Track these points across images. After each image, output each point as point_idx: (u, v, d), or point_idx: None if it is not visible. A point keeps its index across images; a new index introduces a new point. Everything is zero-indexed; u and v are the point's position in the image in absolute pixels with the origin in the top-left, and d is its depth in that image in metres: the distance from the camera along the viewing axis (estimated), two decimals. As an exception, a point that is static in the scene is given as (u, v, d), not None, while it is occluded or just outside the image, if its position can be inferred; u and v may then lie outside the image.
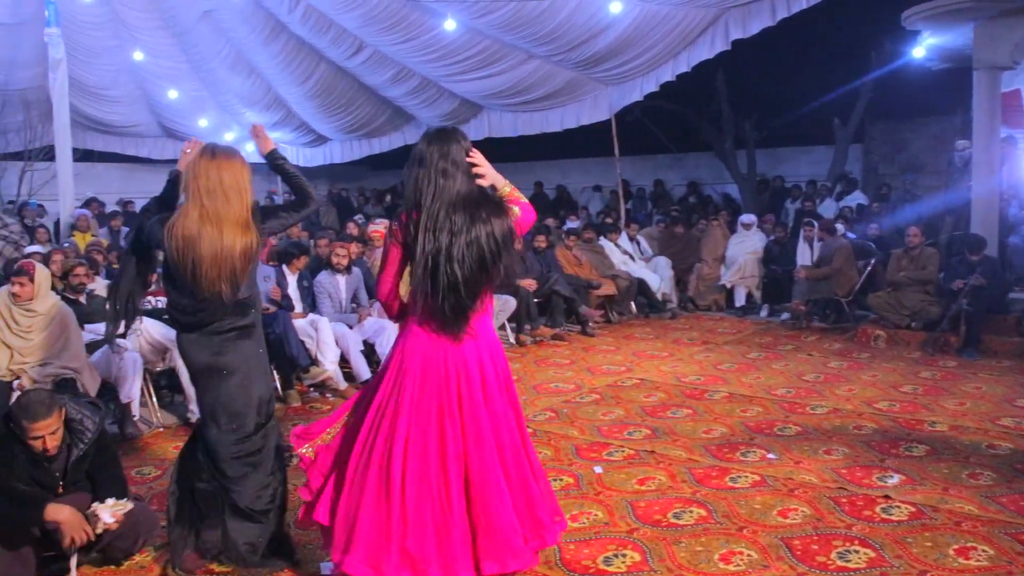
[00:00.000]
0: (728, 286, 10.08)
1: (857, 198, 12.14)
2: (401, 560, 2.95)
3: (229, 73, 12.99)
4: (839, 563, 3.39)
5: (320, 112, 14.09)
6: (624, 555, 3.54)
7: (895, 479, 4.30)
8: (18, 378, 5.09)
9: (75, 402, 3.64)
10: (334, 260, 7.12)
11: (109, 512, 3.33)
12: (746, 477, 4.40)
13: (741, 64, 12.81)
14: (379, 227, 9.05)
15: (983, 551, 3.46)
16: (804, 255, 9.53)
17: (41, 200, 12.26)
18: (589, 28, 10.17)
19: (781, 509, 3.95)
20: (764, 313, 9.70)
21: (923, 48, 9.36)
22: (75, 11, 10.91)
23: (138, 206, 13.36)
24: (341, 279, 7.18)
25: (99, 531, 3.31)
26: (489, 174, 3.09)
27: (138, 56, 12.13)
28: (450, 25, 10.29)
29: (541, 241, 9.21)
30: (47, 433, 3.33)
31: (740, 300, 10.00)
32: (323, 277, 7.17)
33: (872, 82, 13.13)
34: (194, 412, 5.79)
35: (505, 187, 3.17)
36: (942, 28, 8.70)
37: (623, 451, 4.93)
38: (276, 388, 6.54)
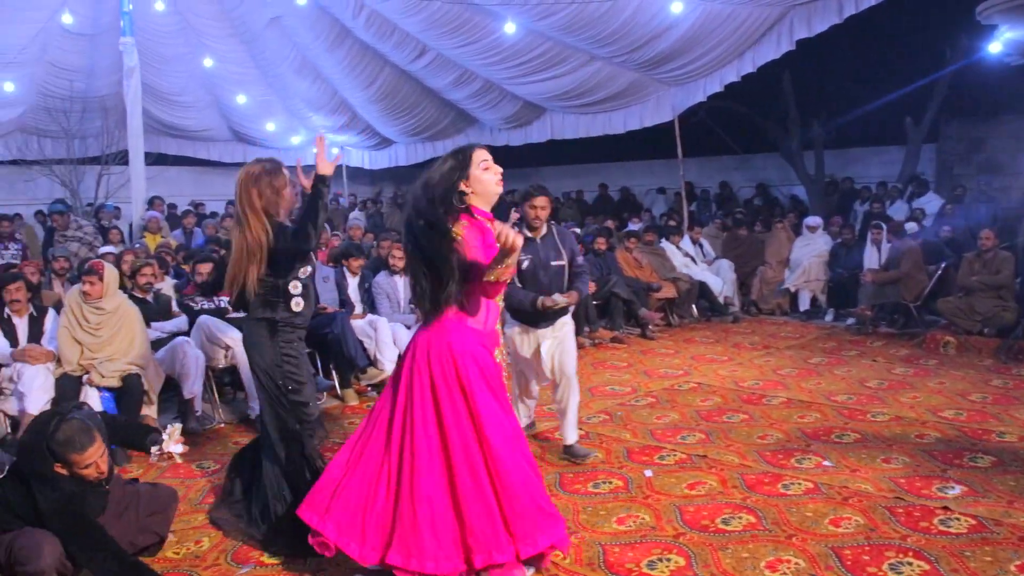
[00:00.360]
0: (792, 290, 9.87)
1: (930, 200, 11.74)
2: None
3: (296, 78, 13.28)
4: (891, 575, 3.30)
5: (384, 115, 14.29)
6: (669, 559, 3.50)
7: (956, 490, 4.16)
8: (87, 373, 5.30)
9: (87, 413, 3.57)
10: (391, 262, 7.21)
11: (174, 443, 3.61)
12: (799, 484, 4.30)
13: (808, 63, 12.52)
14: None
15: (1046, 567, 3.32)
16: (871, 258, 9.26)
17: (117, 203, 12.70)
18: (651, 29, 10.08)
19: (833, 518, 3.85)
20: (829, 317, 9.47)
21: (1000, 43, 8.99)
22: (149, 20, 11.29)
23: (208, 208, 13.78)
24: (399, 280, 7.26)
25: (178, 460, 3.70)
26: None
27: (208, 63, 12.51)
28: (510, 28, 10.32)
29: (601, 243, 9.17)
30: (98, 457, 3.27)
31: (804, 304, 9.79)
32: (381, 278, 7.27)
33: (947, 79, 12.69)
34: (253, 408, 5.94)
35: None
36: (1020, 21, 8.36)
37: (675, 455, 4.88)
38: (334, 387, 6.68)
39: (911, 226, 9.89)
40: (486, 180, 3.24)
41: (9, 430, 5.30)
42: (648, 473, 4.56)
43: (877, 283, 8.59)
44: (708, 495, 4.22)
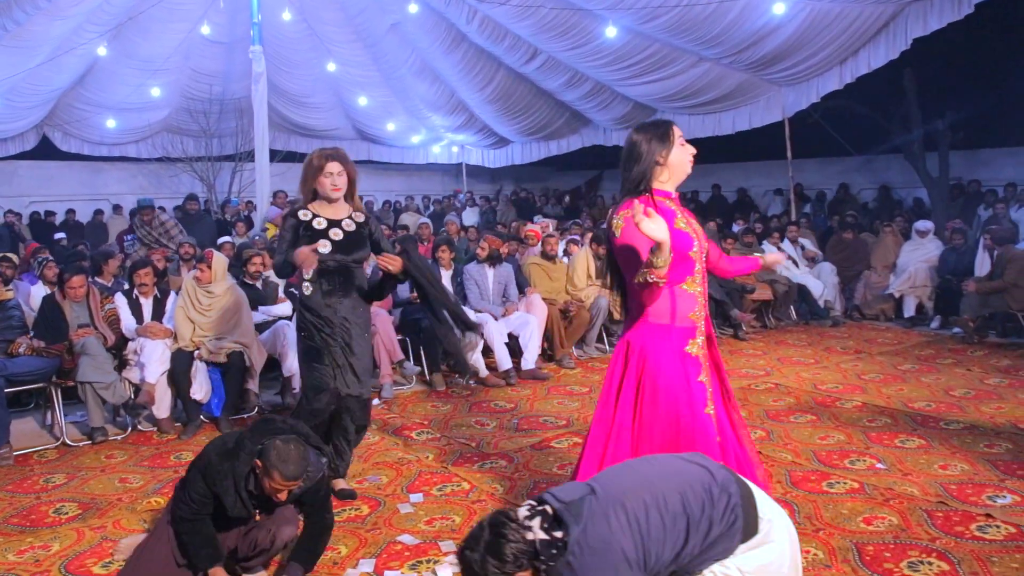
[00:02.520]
0: (897, 295, 9.61)
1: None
2: None
3: (415, 80, 13.90)
4: (906, 572, 3.36)
5: (500, 115, 14.74)
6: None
7: (1007, 499, 4.11)
8: (198, 348, 5.92)
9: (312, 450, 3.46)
10: (478, 251, 7.58)
11: None
12: (845, 483, 4.36)
13: (931, 59, 12.08)
14: (535, 226, 9.46)
15: (1074, 576, 3.30)
16: (984, 265, 8.90)
17: (250, 197, 13.70)
18: (757, 29, 10.06)
19: (868, 516, 3.91)
20: (935, 325, 9.17)
21: None
22: (278, 29, 12.14)
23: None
24: (490, 271, 7.59)
25: None
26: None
27: (331, 67, 13.27)
28: (611, 32, 10.52)
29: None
30: (292, 488, 3.21)
31: (909, 310, 9.51)
32: (472, 267, 7.65)
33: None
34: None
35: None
36: None
37: (730, 451, 4.99)
38: (423, 371, 7.11)
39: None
40: (683, 158, 3.07)
41: (133, 395, 5.97)
42: (698, 465, 4.71)
43: (981, 292, 8.28)
44: (750, 489, 4.34)
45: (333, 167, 4.12)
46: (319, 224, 4.15)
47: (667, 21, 10.22)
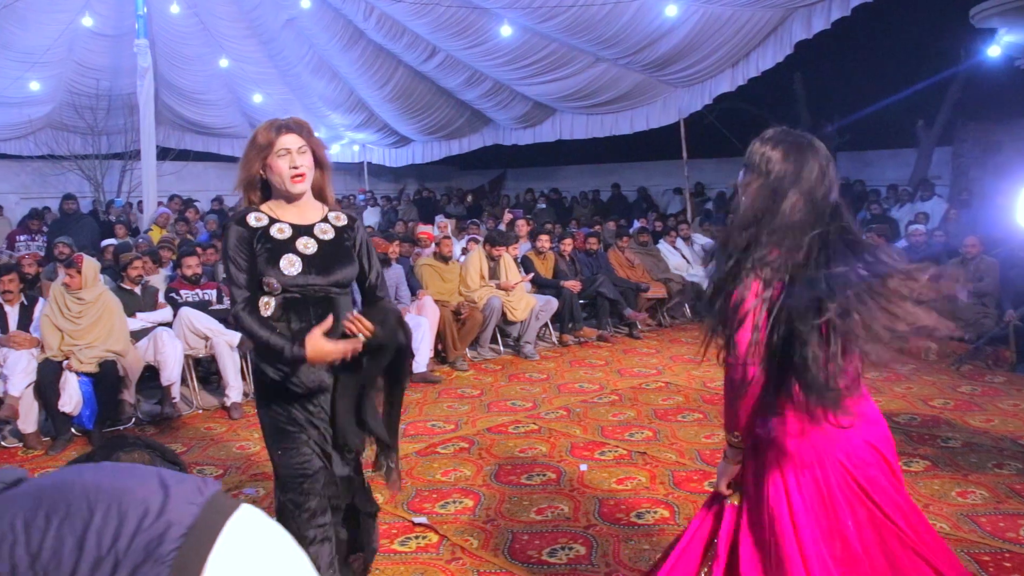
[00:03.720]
0: (787, 292, 9.87)
1: (935, 204, 11.61)
2: None
3: (313, 78, 13.60)
4: (776, 569, 3.41)
5: (400, 114, 14.56)
6: (571, 549, 3.65)
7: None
8: (67, 358, 5.60)
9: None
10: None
11: None
12: (724, 482, 4.41)
13: (820, 64, 12.52)
14: (427, 228, 9.39)
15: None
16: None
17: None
18: (651, 31, 10.20)
19: (744, 514, 3.97)
20: (822, 321, 9.46)
21: (1000, 46, 8.93)
22: (167, 22, 11.69)
23: (231, 203, 14.20)
24: (389, 271, 7.44)
25: None
26: None
27: (224, 63, 12.86)
28: (506, 31, 10.52)
29: (593, 243, 9.32)
30: None
31: (799, 307, 9.78)
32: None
33: (961, 81, 12.56)
34: (229, 397, 6.22)
35: None
36: (1019, 24, 8.28)
37: (616, 451, 5.02)
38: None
39: (917, 228, 9.80)
40: None
41: (-4, 410, 5.62)
42: (583, 467, 4.71)
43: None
44: (633, 490, 4.36)
45: (290, 141, 2.74)
46: (280, 232, 2.77)
47: (563, 21, 10.26)
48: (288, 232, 2.79)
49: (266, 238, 2.77)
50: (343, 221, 2.92)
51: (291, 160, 2.74)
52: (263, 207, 2.83)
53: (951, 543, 3.55)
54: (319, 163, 2.87)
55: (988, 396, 6.18)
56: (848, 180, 14.33)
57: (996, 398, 6.12)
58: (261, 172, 2.79)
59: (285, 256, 2.75)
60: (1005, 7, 7.86)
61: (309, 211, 2.87)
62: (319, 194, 2.91)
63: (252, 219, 2.79)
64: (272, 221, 2.80)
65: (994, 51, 9.12)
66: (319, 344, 2.61)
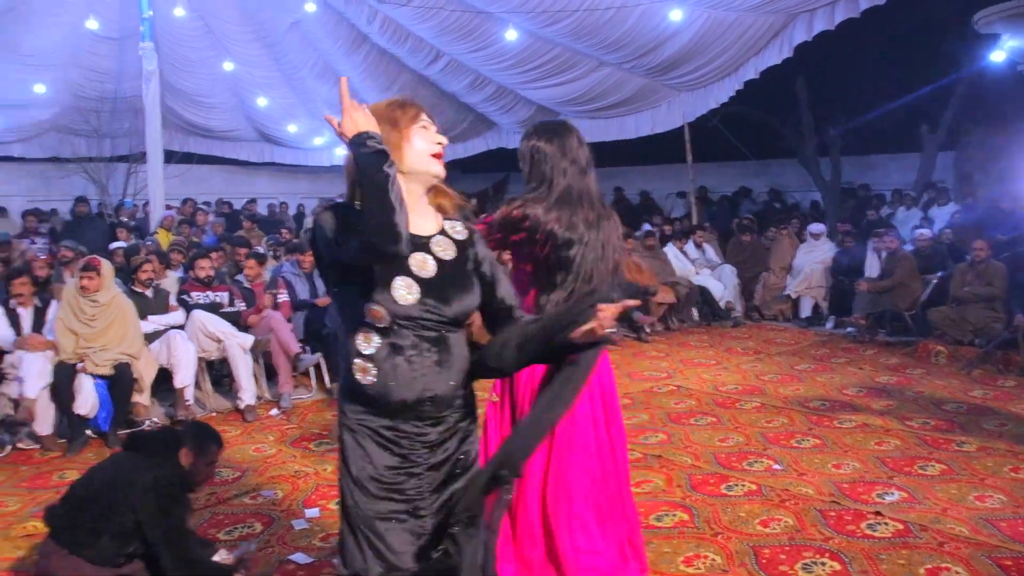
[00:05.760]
0: (794, 296, 9.91)
1: (950, 210, 11.57)
2: None
3: (317, 82, 13.59)
4: (800, 573, 3.42)
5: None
6: (594, 553, 3.66)
7: (895, 496, 4.25)
8: (82, 361, 5.60)
9: None
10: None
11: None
12: (743, 486, 4.43)
13: (823, 67, 12.54)
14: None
15: (956, 572, 3.41)
16: (873, 266, 9.28)
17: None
18: (655, 36, 10.23)
19: (765, 519, 3.98)
20: (830, 325, 9.49)
21: (1004, 51, 8.95)
22: (172, 25, 11.68)
23: (237, 206, 14.19)
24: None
25: None
26: None
27: (228, 67, 12.86)
28: (511, 35, 10.53)
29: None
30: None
31: (806, 311, 9.82)
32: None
33: (965, 85, 12.58)
34: (242, 399, 6.22)
35: None
36: (1022, 29, 8.28)
37: (632, 454, 4.99)
38: (320, 372, 6.93)
39: (924, 231, 9.80)
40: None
41: (11, 411, 5.62)
42: (600, 471, 4.72)
43: (872, 291, 8.61)
44: (651, 493, 4.37)
45: (428, 119, 2.15)
46: None
47: (568, 25, 10.27)
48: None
49: None
50: (463, 234, 2.19)
51: (433, 135, 2.13)
52: None
53: (971, 547, 3.58)
54: None
55: (1000, 400, 6.19)
56: (852, 184, 14.38)
57: (1009, 402, 6.12)
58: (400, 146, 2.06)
59: (400, 277, 2.00)
60: (1009, 12, 7.84)
61: (424, 218, 2.14)
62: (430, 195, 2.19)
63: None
64: None
65: (998, 56, 9.13)
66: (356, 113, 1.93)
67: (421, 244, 2.07)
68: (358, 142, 1.88)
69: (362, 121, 1.91)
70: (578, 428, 2.93)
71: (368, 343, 2.01)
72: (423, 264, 2.05)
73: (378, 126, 1.95)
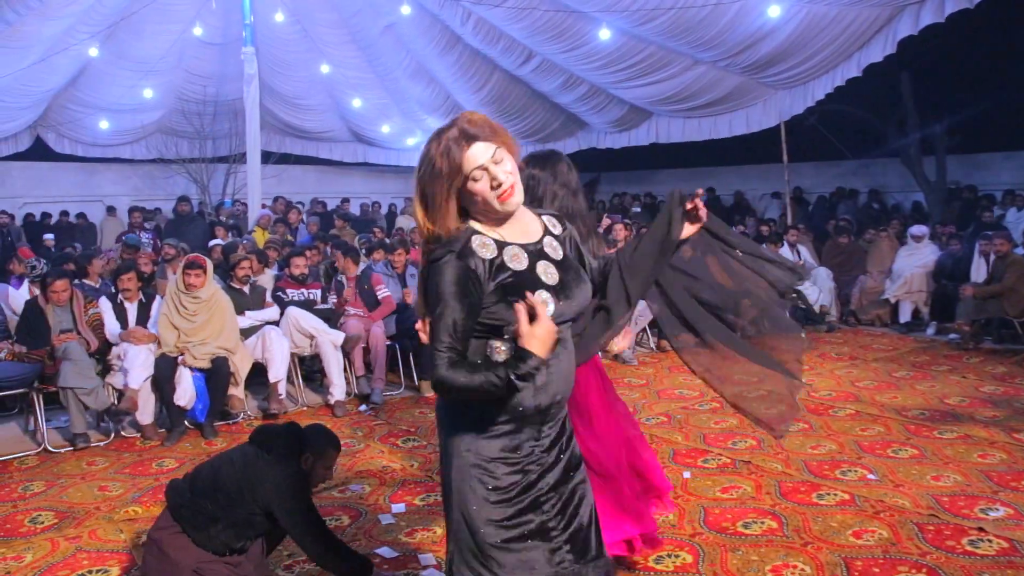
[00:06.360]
0: (893, 300, 9.53)
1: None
2: None
3: (410, 82, 13.82)
4: (895, 588, 3.29)
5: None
6: (677, 556, 3.61)
7: (999, 512, 4.03)
8: (182, 354, 5.84)
9: None
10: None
11: None
12: (834, 495, 4.28)
13: (929, 62, 12.02)
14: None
15: (1066, 593, 3.22)
16: (980, 271, 8.84)
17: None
18: (752, 32, 9.98)
19: (857, 530, 3.84)
20: (931, 331, 9.08)
21: None
22: (271, 30, 12.07)
23: (331, 206, 14.57)
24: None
25: None
26: None
27: (324, 69, 13.20)
28: (604, 34, 10.45)
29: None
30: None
31: (905, 316, 9.43)
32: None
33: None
34: (332, 395, 6.37)
35: None
36: None
37: (720, 459, 4.93)
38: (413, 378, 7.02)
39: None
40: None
41: (116, 401, 5.89)
42: (686, 475, 4.64)
43: (978, 297, 8.21)
44: (739, 499, 4.27)
45: (479, 154, 1.97)
46: (516, 260, 2.04)
47: (662, 24, 10.14)
48: (524, 259, 2.04)
49: (503, 268, 2.00)
50: (559, 228, 2.21)
51: (493, 179, 1.98)
52: (478, 225, 2.04)
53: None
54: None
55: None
56: (958, 184, 13.74)
57: None
58: (456, 203, 2.00)
59: (536, 293, 1.99)
60: None
61: (529, 223, 2.14)
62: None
63: (477, 245, 1.99)
64: (501, 245, 2.03)
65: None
66: (539, 330, 1.90)
67: (537, 252, 2.08)
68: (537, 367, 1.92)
69: (547, 340, 1.92)
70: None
71: (499, 353, 2.01)
72: (546, 271, 2.06)
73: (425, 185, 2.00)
